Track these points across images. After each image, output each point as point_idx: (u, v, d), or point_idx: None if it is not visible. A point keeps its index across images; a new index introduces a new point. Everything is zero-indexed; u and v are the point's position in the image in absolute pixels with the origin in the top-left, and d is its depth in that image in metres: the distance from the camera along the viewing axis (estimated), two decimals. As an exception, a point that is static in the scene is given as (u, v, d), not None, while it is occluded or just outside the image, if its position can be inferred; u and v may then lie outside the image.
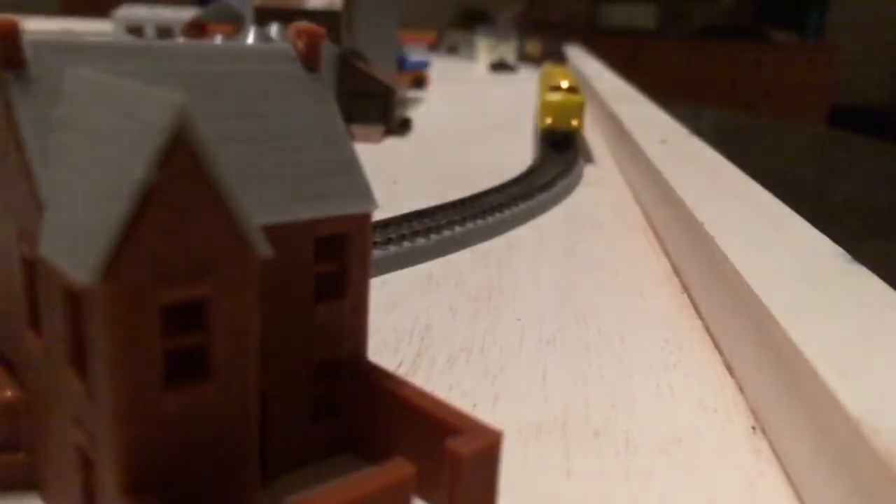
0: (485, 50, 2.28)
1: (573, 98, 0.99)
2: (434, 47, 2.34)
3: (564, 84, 1.00)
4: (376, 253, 0.57)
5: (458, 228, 0.65)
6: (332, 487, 0.25)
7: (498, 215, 0.70)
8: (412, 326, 0.49)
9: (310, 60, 0.34)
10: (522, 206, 0.74)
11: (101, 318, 0.23)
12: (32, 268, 0.28)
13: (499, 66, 2.23)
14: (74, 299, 0.25)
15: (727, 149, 0.87)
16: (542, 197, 0.78)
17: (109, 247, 0.23)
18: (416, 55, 1.78)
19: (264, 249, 0.26)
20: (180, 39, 1.21)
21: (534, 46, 1.30)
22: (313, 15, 1.00)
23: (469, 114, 1.49)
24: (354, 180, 0.33)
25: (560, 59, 1.77)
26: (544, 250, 0.67)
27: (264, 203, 0.30)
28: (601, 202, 0.86)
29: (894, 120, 3.53)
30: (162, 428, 0.25)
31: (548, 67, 1.33)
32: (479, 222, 0.67)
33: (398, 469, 0.26)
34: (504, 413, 0.40)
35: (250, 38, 0.89)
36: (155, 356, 0.24)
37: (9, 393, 0.30)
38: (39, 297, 0.28)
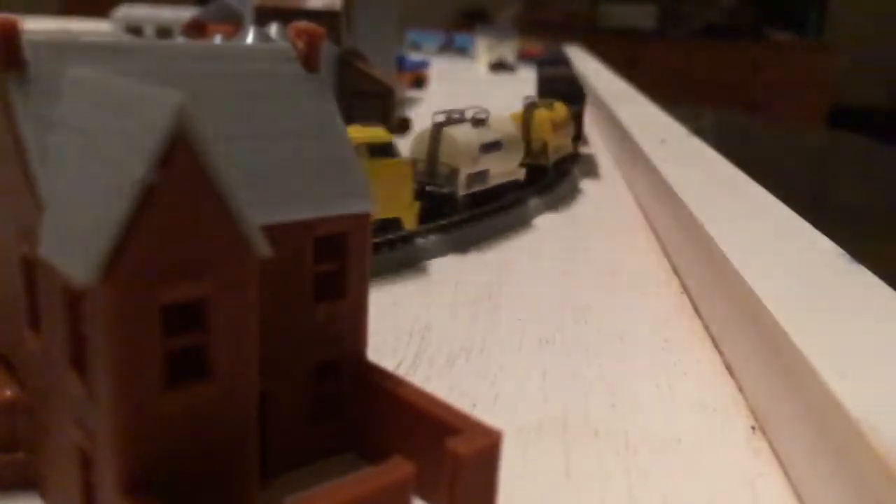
0: (484, 50, 2.28)
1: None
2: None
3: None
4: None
5: (458, 228, 0.65)
6: (332, 487, 0.25)
7: (498, 215, 0.70)
8: (412, 326, 0.49)
9: (309, 60, 0.34)
10: (522, 206, 0.74)
11: (101, 318, 0.23)
12: (32, 268, 0.28)
13: (498, 66, 2.23)
14: (74, 299, 0.25)
15: (727, 149, 0.87)
16: (542, 197, 0.78)
17: (109, 247, 0.23)
18: (417, 55, 1.78)
19: (264, 249, 0.26)
20: (180, 39, 1.21)
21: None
22: (313, 15, 0.99)
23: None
24: (354, 180, 0.33)
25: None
26: (544, 250, 0.67)
27: (264, 203, 0.30)
28: (601, 202, 0.86)
29: (894, 120, 3.53)
30: (162, 428, 0.25)
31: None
32: (480, 222, 0.67)
33: (398, 469, 0.26)
34: (504, 413, 0.40)
35: (250, 38, 0.89)
36: (155, 356, 0.24)
37: (9, 393, 0.30)
38: (39, 297, 0.28)
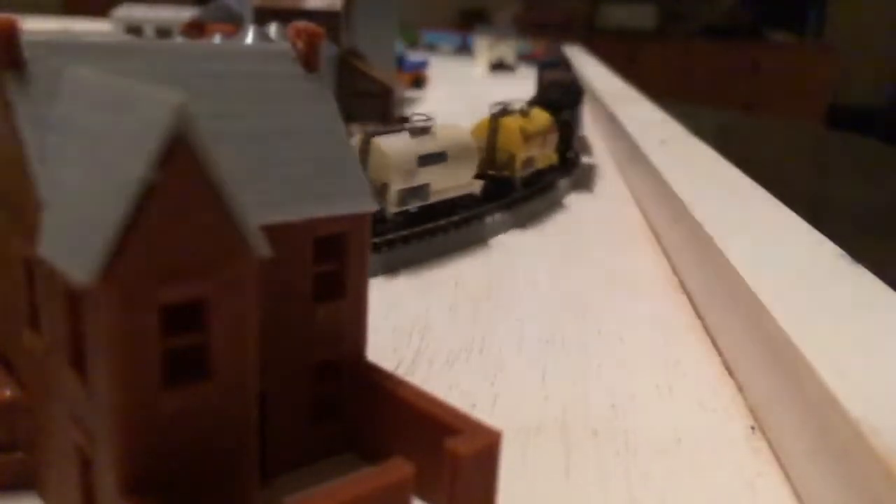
0: (484, 50, 2.28)
1: None
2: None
3: None
4: (376, 253, 0.57)
5: (458, 228, 0.65)
6: (332, 487, 0.25)
7: (498, 215, 0.70)
8: (412, 326, 0.49)
9: (309, 60, 0.34)
10: (522, 206, 0.74)
11: (100, 318, 0.23)
12: (32, 267, 0.28)
13: (498, 66, 2.23)
14: (74, 299, 0.25)
15: (727, 149, 0.87)
16: (542, 197, 0.78)
17: (109, 246, 0.23)
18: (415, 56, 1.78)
19: (264, 249, 0.26)
20: (180, 39, 1.21)
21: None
22: (313, 15, 0.99)
23: (468, 113, 1.48)
24: (354, 180, 0.33)
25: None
26: (544, 250, 0.67)
27: (264, 203, 0.30)
28: (601, 202, 0.86)
29: (893, 120, 3.53)
30: (161, 428, 0.25)
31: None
32: (480, 222, 0.67)
33: (398, 469, 0.26)
34: (504, 413, 0.40)
35: (249, 38, 0.89)
36: (154, 356, 0.24)
37: (8, 393, 0.30)
38: (39, 297, 0.28)
